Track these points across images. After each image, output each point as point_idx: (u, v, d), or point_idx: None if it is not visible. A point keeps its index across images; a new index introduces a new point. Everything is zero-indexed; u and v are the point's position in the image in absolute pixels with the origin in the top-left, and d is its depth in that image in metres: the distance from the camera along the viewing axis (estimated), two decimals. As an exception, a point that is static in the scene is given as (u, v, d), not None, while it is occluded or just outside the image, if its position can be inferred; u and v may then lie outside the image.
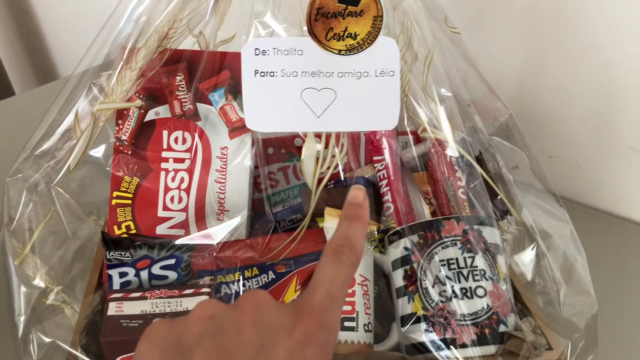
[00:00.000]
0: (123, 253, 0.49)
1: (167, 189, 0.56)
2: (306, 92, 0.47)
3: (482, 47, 0.78)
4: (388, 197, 0.60)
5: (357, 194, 0.39)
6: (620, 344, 0.62)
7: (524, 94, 0.79)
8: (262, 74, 0.47)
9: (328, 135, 0.52)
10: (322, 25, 0.46)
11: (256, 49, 0.47)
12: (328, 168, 0.53)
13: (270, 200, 0.63)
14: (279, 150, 0.65)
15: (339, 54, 0.47)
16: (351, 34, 0.46)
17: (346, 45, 0.46)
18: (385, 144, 0.61)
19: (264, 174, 0.65)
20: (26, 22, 1.46)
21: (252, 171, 0.60)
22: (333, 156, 0.52)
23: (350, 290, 0.53)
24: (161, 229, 0.56)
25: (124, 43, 0.48)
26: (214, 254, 0.52)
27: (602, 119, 0.76)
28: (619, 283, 0.71)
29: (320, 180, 0.54)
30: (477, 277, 0.51)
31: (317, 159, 0.53)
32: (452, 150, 0.52)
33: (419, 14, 0.48)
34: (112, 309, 0.47)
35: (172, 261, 0.50)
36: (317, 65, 0.47)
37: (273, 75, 0.47)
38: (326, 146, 0.52)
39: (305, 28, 0.46)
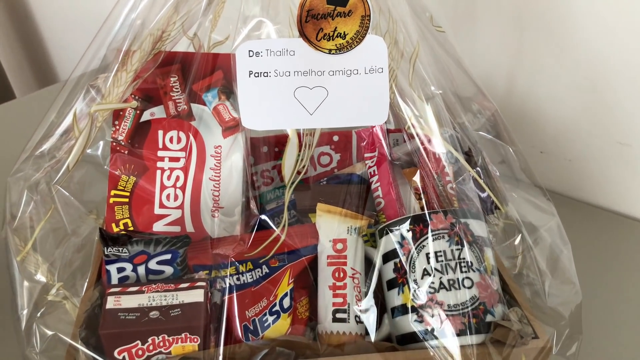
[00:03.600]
0: (120, 249, 0.51)
1: (163, 187, 0.58)
2: (299, 90, 0.49)
3: (472, 46, 0.80)
4: (379, 192, 0.61)
5: None
6: (605, 334, 0.64)
7: (514, 91, 0.81)
8: (257, 75, 0.49)
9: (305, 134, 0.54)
10: (312, 26, 0.47)
11: (250, 50, 0.48)
12: (303, 167, 0.55)
13: (265, 198, 0.65)
14: (273, 149, 0.66)
15: (330, 54, 0.48)
16: (340, 33, 0.47)
17: (336, 44, 0.48)
18: (376, 142, 0.62)
19: (259, 172, 0.67)
20: (26, 27, 1.48)
21: (245, 169, 0.62)
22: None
23: (341, 283, 0.55)
24: (158, 226, 0.57)
25: (120, 46, 0.49)
26: (209, 249, 0.53)
27: (591, 114, 0.77)
28: (607, 274, 0.72)
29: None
30: (464, 269, 0.52)
31: (298, 155, 0.55)
32: (439, 147, 0.53)
33: (404, 14, 0.50)
34: (111, 302, 0.49)
35: (168, 256, 0.52)
36: (308, 65, 0.48)
37: (267, 76, 0.49)
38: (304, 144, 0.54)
39: (296, 29, 0.48)
